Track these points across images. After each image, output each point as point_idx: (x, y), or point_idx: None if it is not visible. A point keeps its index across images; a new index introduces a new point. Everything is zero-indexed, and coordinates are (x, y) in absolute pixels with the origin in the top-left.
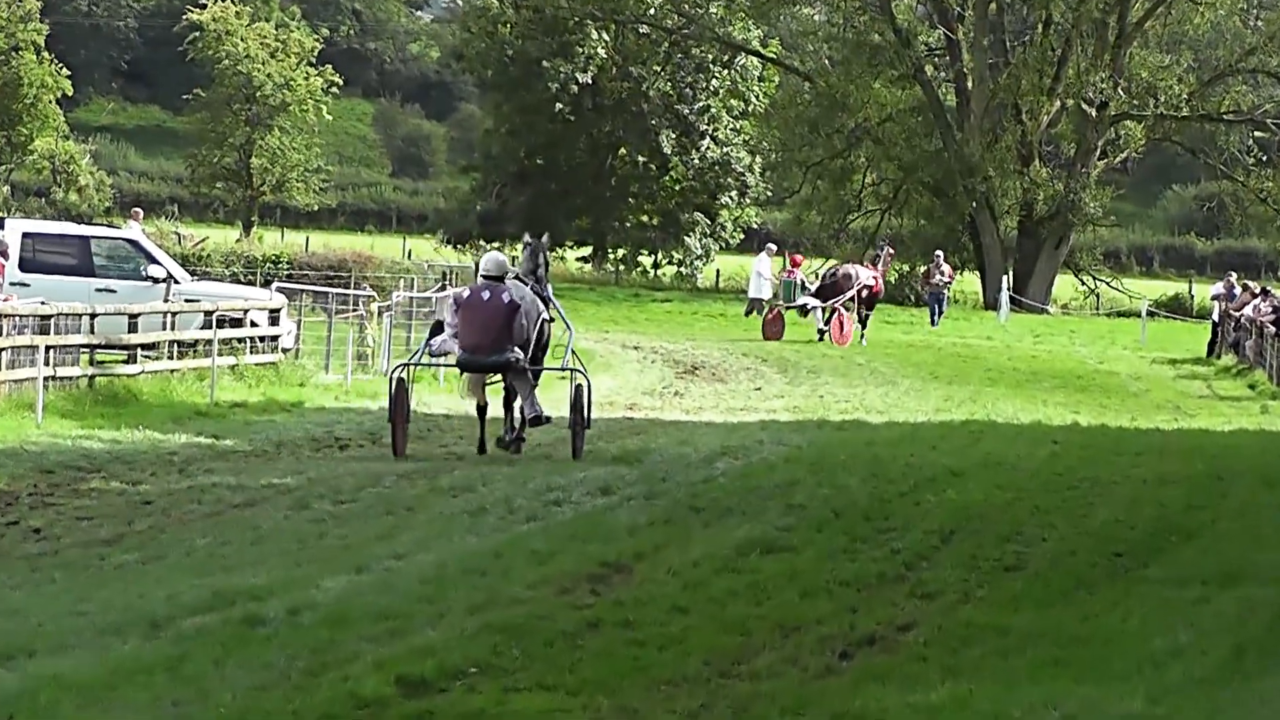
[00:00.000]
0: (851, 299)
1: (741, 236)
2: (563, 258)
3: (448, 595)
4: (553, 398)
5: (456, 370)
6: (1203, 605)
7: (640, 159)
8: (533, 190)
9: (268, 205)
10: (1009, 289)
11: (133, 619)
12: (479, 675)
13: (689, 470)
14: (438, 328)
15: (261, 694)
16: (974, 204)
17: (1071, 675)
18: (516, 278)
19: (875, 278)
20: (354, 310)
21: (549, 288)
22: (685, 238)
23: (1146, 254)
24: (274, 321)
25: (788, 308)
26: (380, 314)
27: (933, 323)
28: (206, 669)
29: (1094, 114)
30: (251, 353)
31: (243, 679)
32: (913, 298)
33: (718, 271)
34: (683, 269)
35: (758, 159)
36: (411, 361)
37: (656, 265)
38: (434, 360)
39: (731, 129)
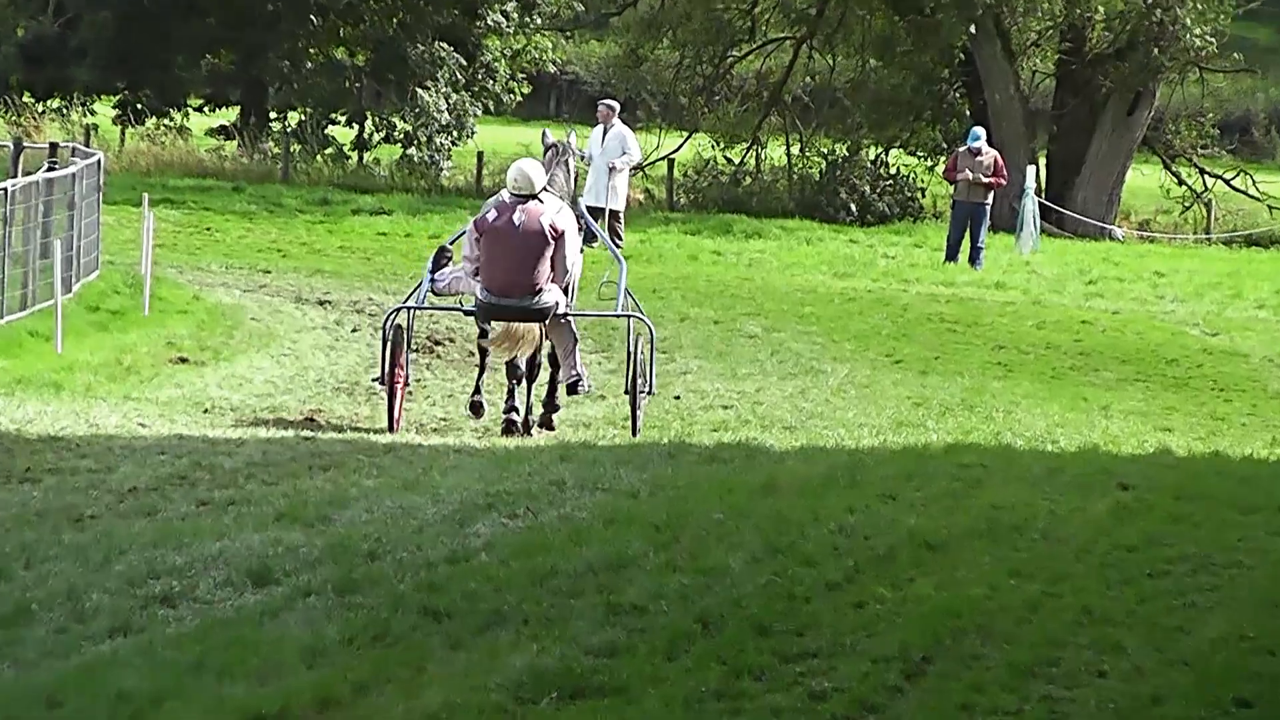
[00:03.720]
0: None
1: (527, 89)
2: (181, 128)
3: None
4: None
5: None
6: None
7: None
8: (125, 3)
9: None
10: (1038, 193)
11: None
12: None
13: (422, 539)
14: (441, 255)
15: None
16: (971, 29)
17: None
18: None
19: None
20: None
21: (582, 206)
22: (419, 90)
23: None
24: None
25: None
26: None
27: (968, 260)
28: None
29: None
30: None
31: None
32: (854, 208)
33: (480, 155)
34: (414, 151)
35: None
36: (409, 304)
37: (364, 144)
38: (440, 303)
39: None
